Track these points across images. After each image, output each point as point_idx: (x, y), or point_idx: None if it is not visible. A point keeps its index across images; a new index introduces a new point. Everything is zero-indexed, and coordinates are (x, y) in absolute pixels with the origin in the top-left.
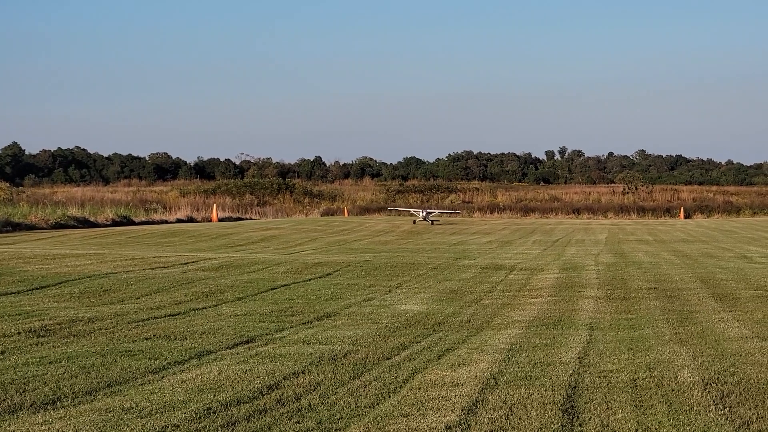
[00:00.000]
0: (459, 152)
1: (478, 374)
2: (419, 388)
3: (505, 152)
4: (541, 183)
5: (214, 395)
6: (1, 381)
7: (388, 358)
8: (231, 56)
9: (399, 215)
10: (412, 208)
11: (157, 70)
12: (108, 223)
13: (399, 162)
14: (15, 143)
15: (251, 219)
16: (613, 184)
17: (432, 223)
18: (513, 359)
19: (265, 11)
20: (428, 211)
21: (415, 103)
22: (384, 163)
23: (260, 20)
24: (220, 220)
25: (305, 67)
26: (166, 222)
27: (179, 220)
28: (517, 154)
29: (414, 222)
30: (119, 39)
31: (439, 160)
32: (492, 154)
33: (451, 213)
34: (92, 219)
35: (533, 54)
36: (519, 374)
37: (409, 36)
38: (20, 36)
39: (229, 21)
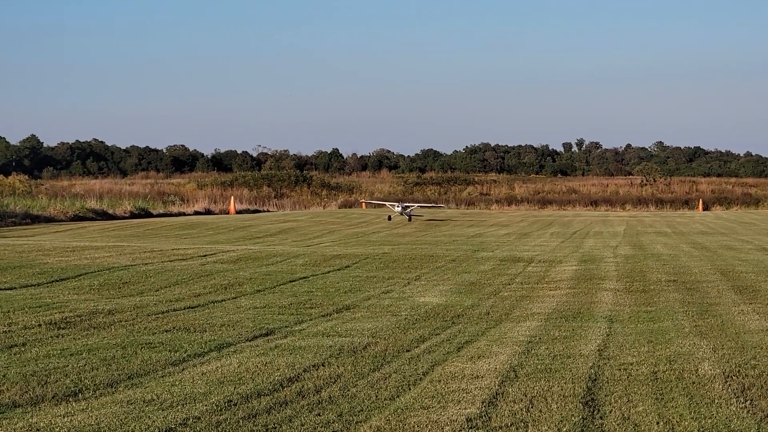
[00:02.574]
0: (476, 144)
1: (497, 366)
2: (439, 381)
3: (523, 144)
4: (559, 175)
5: (235, 387)
6: (23, 373)
7: (407, 351)
8: (249, 48)
9: (374, 208)
10: (387, 201)
11: (175, 62)
12: (126, 215)
13: (416, 154)
14: (33, 136)
15: (269, 211)
16: (631, 176)
17: (410, 219)
18: (532, 351)
19: (284, 2)
20: (405, 204)
21: (432, 95)
22: (401, 155)
23: (278, 11)
24: (238, 212)
25: (322, 58)
26: (184, 214)
27: (197, 213)
28: (535, 146)
29: (389, 218)
30: (137, 31)
31: (457, 152)
32: (509, 146)
33: (432, 207)
34: (110, 211)
35: (551, 45)
36: (539, 367)
37: (426, 27)
38: (38, 29)
39: (247, 13)
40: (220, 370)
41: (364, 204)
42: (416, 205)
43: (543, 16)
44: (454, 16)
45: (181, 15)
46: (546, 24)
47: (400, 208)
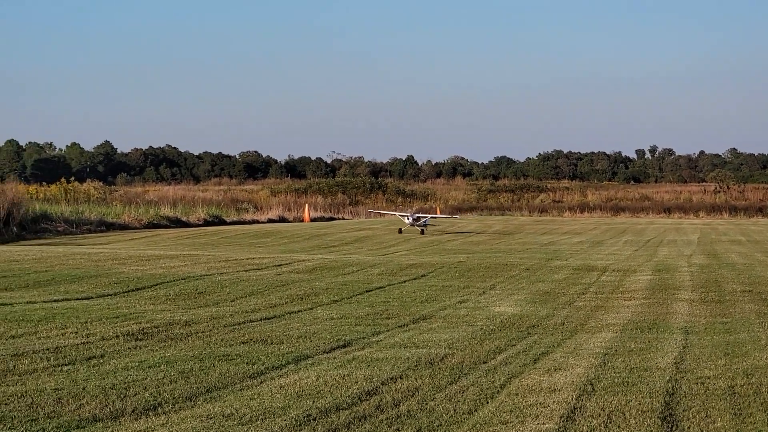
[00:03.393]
0: (549, 151)
1: (574, 379)
2: (516, 394)
3: (595, 151)
4: (632, 182)
5: (313, 401)
6: (103, 386)
7: (484, 362)
8: (321, 53)
9: (381, 217)
10: (398, 211)
11: (248, 68)
12: (200, 222)
13: (490, 161)
14: (107, 142)
15: (343, 219)
16: (704, 183)
17: (423, 232)
18: (609, 364)
19: (358, 7)
20: (417, 215)
21: (505, 101)
22: (475, 162)
23: (354, 16)
24: (312, 220)
25: (397, 64)
26: (258, 222)
27: (271, 220)
28: (607, 152)
29: (399, 230)
30: (211, 37)
31: (530, 159)
32: (582, 153)
33: (447, 218)
34: (184, 218)
35: (624, 49)
36: (616, 380)
37: (499, 31)
38: (112, 36)
39: (322, 18)
40: (298, 383)
41: (373, 214)
42: (429, 216)
43: (616, 18)
44: (526, 20)
45: (254, 21)
46: (618, 26)
47: (411, 219)
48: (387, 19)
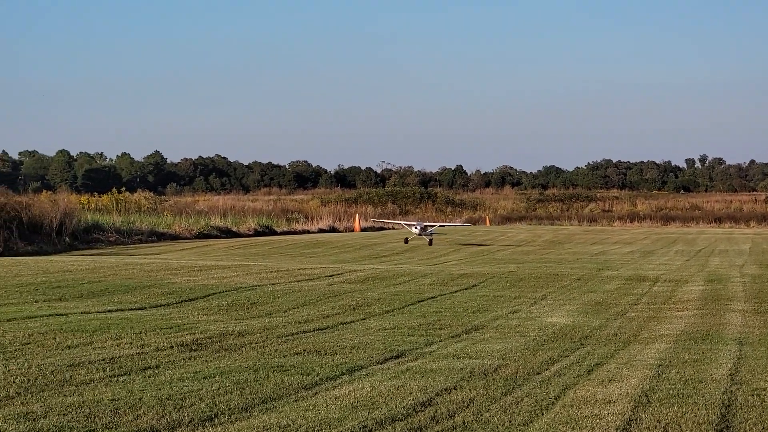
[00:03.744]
0: (598, 161)
1: (629, 391)
2: (571, 405)
3: (645, 160)
4: (681, 191)
5: (369, 413)
6: (159, 396)
7: (538, 373)
8: (370, 62)
9: (389, 228)
10: (404, 220)
11: (297, 77)
12: (250, 233)
13: (539, 171)
14: (157, 152)
15: (394, 228)
16: (755, 192)
17: (430, 242)
18: (663, 375)
19: (407, 17)
20: (425, 224)
21: (554, 110)
22: (524, 172)
23: (404, 25)
24: (363, 229)
25: (446, 74)
26: (309, 232)
27: (321, 230)
28: (657, 162)
29: (405, 240)
30: (260, 47)
31: (579, 168)
32: (631, 162)
33: (456, 225)
34: (234, 229)
35: (674, 57)
36: (671, 391)
37: (548, 40)
38: (163, 47)
39: (369, 28)
40: (353, 394)
41: (387, 224)
42: (437, 224)
43: (665, 25)
44: (574, 31)
45: (305, 31)
46: (670, 33)
47: (418, 229)
48: (438, 29)
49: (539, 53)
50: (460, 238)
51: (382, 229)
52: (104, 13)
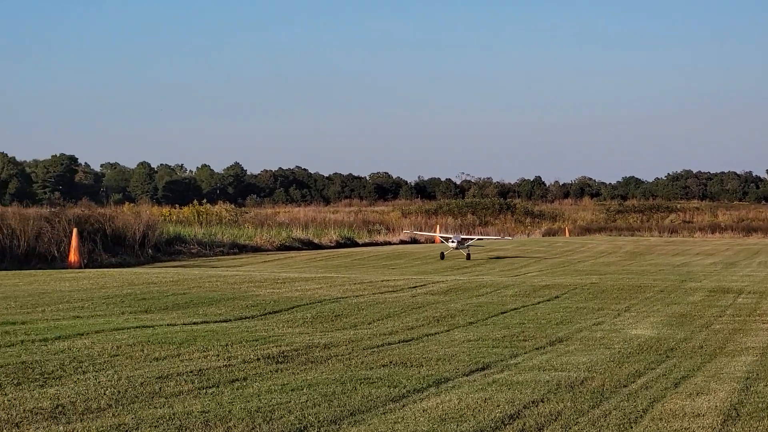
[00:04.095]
0: (678, 171)
1: (717, 404)
2: (660, 419)
3: (725, 171)
4: (763, 202)
5: (457, 425)
6: (248, 408)
7: (624, 386)
8: (448, 74)
9: (423, 241)
10: (440, 232)
11: (374, 88)
12: (332, 244)
13: (618, 182)
14: (237, 163)
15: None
16: None
17: (468, 257)
18: (752, 389)
19: (482, 27)
20: (463, 237)
21: (632, 121)
22: (603, 183)
23: (480, 38)
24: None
25: (522, 84)
26: (390, 243)
27: (402, 242)
28: (738, 172)
29: (441, 255)
30: (338, 59)
31: (658, 179)
32: (711, 172)
33: (493, 239)
34: (316, 240)
35: (754, 66)
36: (760, 405)
37: (623, 52)
38: (242, 59)
39: (446, 40)
40: (440, 407)
41: (422, 236)
42: (476, 237)
43: (746, 36)
44: (650, 40)
45: (382, 43)
46: (748, 43)
47: (456, 243)
48: (516, 40)
49: (616, 65)
50: (539, 248)
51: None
52: (185, 26)
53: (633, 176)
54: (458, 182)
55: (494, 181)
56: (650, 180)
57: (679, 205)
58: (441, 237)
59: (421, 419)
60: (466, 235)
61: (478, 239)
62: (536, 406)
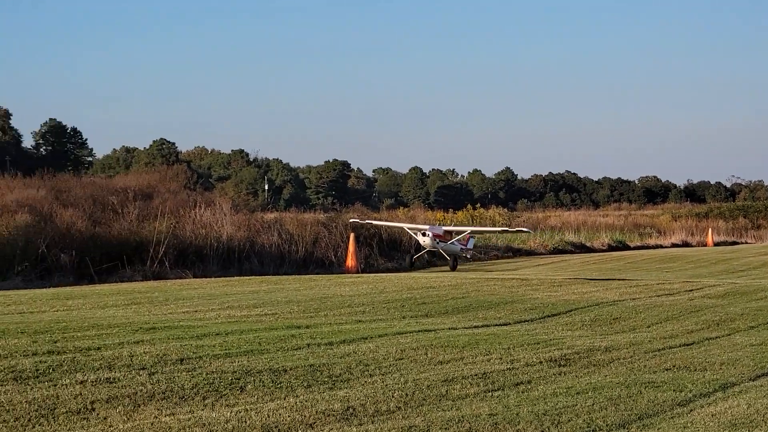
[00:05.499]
0: None
1: None
2: None
3: None
4: None
5: (748, 431)
6: (536, 412)
7: None
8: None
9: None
10: (408, 223)
11: (645, 89)
12: (604, 248)
13: None
14: (508, 168)
15: (747, 243)
16: None
17: (455, 266)
18: None
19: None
20: (445, 229)
21: None
22: None
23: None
24: (715, 244)
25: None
26: (661, 246)
27: (674, 245)
28: None
29: (410, 261)
30: (595, 61)
31: None
32: None
33: (505, 231)
34: (588, 244)
35: None
36: None
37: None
38: (513, 65)
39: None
40: (729, 412)
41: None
42: (468, 229)
43: None
44: None
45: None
46: None
47: (429, 238)
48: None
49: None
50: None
51: (734, 243)
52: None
53: None
54: (728, 185)
55: (766, 184)
56: None
57: None
58: (408, 228)
59: (711, 424)
60: (454, 227)
61: (481, 232)
62: None
